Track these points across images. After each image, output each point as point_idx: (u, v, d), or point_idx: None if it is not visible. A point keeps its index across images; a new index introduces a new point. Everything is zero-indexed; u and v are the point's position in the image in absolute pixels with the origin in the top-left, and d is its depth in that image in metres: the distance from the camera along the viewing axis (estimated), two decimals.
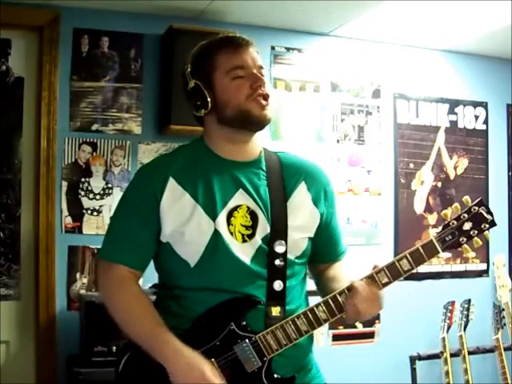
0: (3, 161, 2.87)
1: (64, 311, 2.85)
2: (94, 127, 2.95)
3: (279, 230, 1.50)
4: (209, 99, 1.49)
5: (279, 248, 1.49)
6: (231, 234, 1.48)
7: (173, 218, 1.49)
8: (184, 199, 1.49)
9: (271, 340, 1.43)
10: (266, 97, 1.51)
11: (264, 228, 1.50)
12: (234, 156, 1.55)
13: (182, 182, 1.51)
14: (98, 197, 2.93)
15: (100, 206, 2.92)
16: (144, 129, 3.02)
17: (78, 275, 2.88)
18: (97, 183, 2.94)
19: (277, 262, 1.49)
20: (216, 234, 1.47)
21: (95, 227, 2.90)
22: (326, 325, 3.41)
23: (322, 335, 3.27)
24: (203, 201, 1.49)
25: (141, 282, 2.59)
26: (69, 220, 2.89)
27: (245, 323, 1.45)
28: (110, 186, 2.95)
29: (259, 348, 1.43)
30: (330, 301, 1.44)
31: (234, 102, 1.49)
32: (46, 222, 2.84)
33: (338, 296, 1.44)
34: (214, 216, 1.48)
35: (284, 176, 1.57)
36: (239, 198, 1.51)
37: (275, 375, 1.45)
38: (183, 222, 1.48)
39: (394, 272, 1.45)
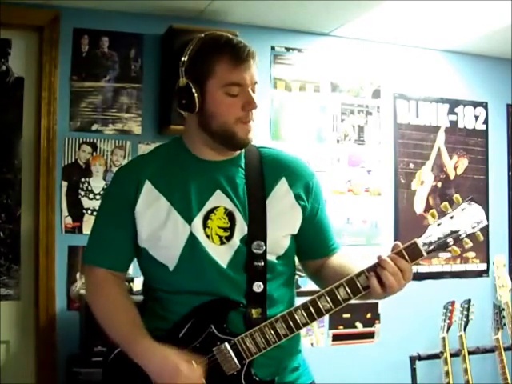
0: (3, 161, 2.87)
1: (64, 311, 2.85)
2: (94, 127, 2.95)
3: (257, 230, 1.48)
4: (197, 104, 1.45)
5: (257, 249, 1.47)
6: (208, 236, 1.46)
7: (148, 222, 1.48)
8: (159, 202, 1.48)
9: (250, 343, 1.42)
10: (252, 120, 1.48)
11: (242, 229, 1.47)
12: (212, 156, 1.52)
13: (157, 184, 1.49)
14: (98, 197, 2.93)
15: None
16: (144, 129, 3.02)
17: (77, 275, 2.88)
18: (97, 183, 2.94)
19: (255, 263, 1.47)
20: (192, 237, 1.45)
21: (92, 225, 2.88)
22: (326, 325, 3.41)
23: (322, 335, 3.27)
24: (179, 204, 1.47)
25: (141, 282, 2.61)
26: (69, 220, 2.89)
27: (225, 326, 1.44)
28: None
29: (238, 351, 1.42)
30: (308, 305, 1.41)
31: (222, 118, 1.45)
32: (46, 222, 2.84)
33: (316, 299, 1.41)
34: (189, 219, 1.46)
35: (264, 173, 1.53)
36: (216, 200, 1.48)
37: (254, 378, 1.43)
38: (159, 226, 1.47)
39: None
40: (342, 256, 1.62)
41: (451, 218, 1.40)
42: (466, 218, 1.39)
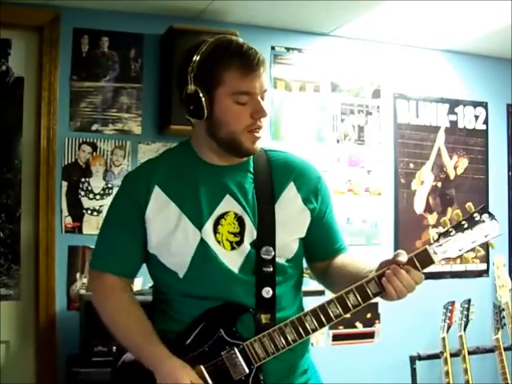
0: (3, 161, 2.87)
1: (64, 311, 2.85)
2: (94, 127, 2.95)
3: (266, 234, 1.47)
4: (205, 111, 1.43)
5: (266, 254, 1.46)
6: (218, 242, 1.46)
7: (158, 228, 1.47)
8: (169, 208, 1.47)
9: (258, 348, 1.41)
10: (261, 128, 1.47)
11: (251, 234, 1.47)
12: (220, 161, 1.51)
13: (167, 189, 1.49)
14: (98, 197, 2.93)
15: (100, 206, 2.92)
16: (144, 129, 3.02)
17: (77, 275, 2.88)
18: (97, 183, 2.94)
19: (265, 268, 1.46)
20: (202, 243, 1.45)
21: (95, 227, 2.89)
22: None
23: (322, 335, 3.27)
24: (189, 210, 1.46)
25: (141, 281, 2.62)
26: (69, 220, 2.89)
27: (234, 330, 1.43)
28: (109, 185, 2.95)
29: (246, 356, 1.41)
30: (318, 310, 1.41)
31: (230, 127, 1.43)
32: (46, 221, 2.84)
33: (326, 305, 1.41)
34: (200, 225, 1.45)
35: (273, 177, 1.53)
36: (226, 205, 1.47)
37: (262, 383, 1.43)
38: (169, 232, 1.46)
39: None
40: (347, 255, 1.60)
41: (463, 226, 1.39)
42: (478, 226, 1.38)
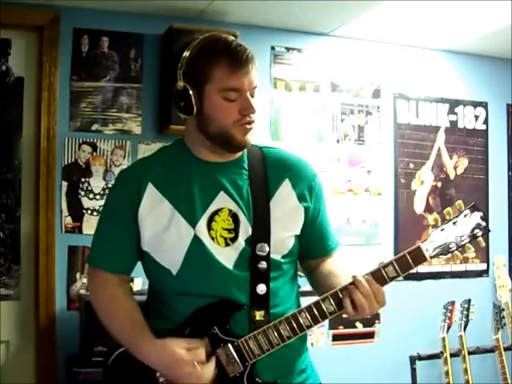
0: (3, 161, 2.87)
1: (64, 311, 2.85)
2: (94, 127, 2.95)
3: (261, 231, 1.47)
4: (194, 108, 1.44)
5: (261, 250, 1.47)
6: (212, 239, 1.46)
7: (151, 225, 1.48)
8: (162, 206, 1.47)
9: (253, 345, 1.42)
10: (251, 122, 1.47)
11: (246, 230, 1.47)
12: (214, 157, 1.51)
13: (161, 187, 1.49)
14: (98, 197, 2.93)
15: (100, 206, 2.91)
16: (144, 129, 3.02)
17: (77, 275, 2.89)
18: (97, 183, 2.94)
19: (259, 264, 1.46)
20: (196, 240, 1.45)
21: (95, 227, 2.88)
22: (326, 325, 3.41)
23: (322, 335, 3.27)
24: (182, 207, 1.47)
25: (141, 282, 2.62)
26: (69, 220, 2.89)
27: (228, 327, 1.43)
28: (109, 186, 2.95)
29: (241, 353, 1.42)
30: (312, 307, 1.42)
31: (220, 122, 1.44)
32: (46, 222, 2.84)
33: (321, 302, 1.42)
34: (193, 222, 1.46)
35: (268, 174, 1.53)
36: (220, 201, 1.48)
37: (257, 380, 1.43)
38: (162, 229, 1.46)
39: (378, 279, 1.41)
40: (334, 263, 1.61)
41: (454, 223, 1.44)
42: (468, 223, 1.44)
